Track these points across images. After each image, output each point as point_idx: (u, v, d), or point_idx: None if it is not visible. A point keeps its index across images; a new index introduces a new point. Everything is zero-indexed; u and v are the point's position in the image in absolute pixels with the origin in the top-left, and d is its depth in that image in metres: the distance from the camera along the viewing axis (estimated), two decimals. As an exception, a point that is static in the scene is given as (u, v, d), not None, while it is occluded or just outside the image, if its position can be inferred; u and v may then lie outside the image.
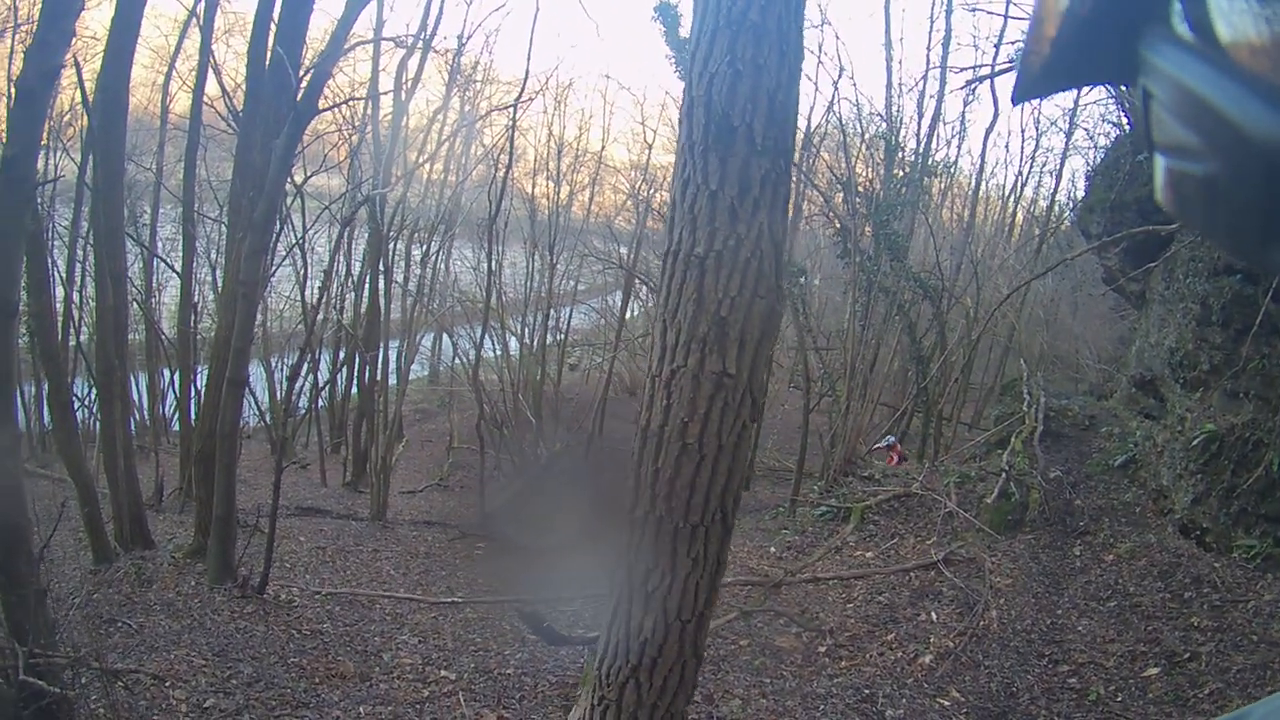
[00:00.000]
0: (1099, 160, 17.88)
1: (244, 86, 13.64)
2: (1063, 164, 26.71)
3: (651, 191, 27.76)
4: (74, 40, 5.95)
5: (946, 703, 7.80)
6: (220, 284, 17.92)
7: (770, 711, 7.59)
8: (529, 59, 41.12)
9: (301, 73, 10.09)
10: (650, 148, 30.13)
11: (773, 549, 12.60)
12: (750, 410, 3.41)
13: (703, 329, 3.27)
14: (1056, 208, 26.78)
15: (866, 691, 7.94)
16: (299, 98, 9.55)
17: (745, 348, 3.30)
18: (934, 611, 9.59)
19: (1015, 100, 0.77)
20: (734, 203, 3.19)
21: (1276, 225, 0.50)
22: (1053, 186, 28.22)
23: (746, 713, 7.54)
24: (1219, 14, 0.52)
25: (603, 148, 33.38)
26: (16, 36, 16.35)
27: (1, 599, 5.64)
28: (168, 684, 6.84)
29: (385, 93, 21.05)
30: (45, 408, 15.30)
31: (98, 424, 12.07)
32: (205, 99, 18.03)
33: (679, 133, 3.44)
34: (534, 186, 28.83)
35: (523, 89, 21.11)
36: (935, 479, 13.22)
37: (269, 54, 11.19)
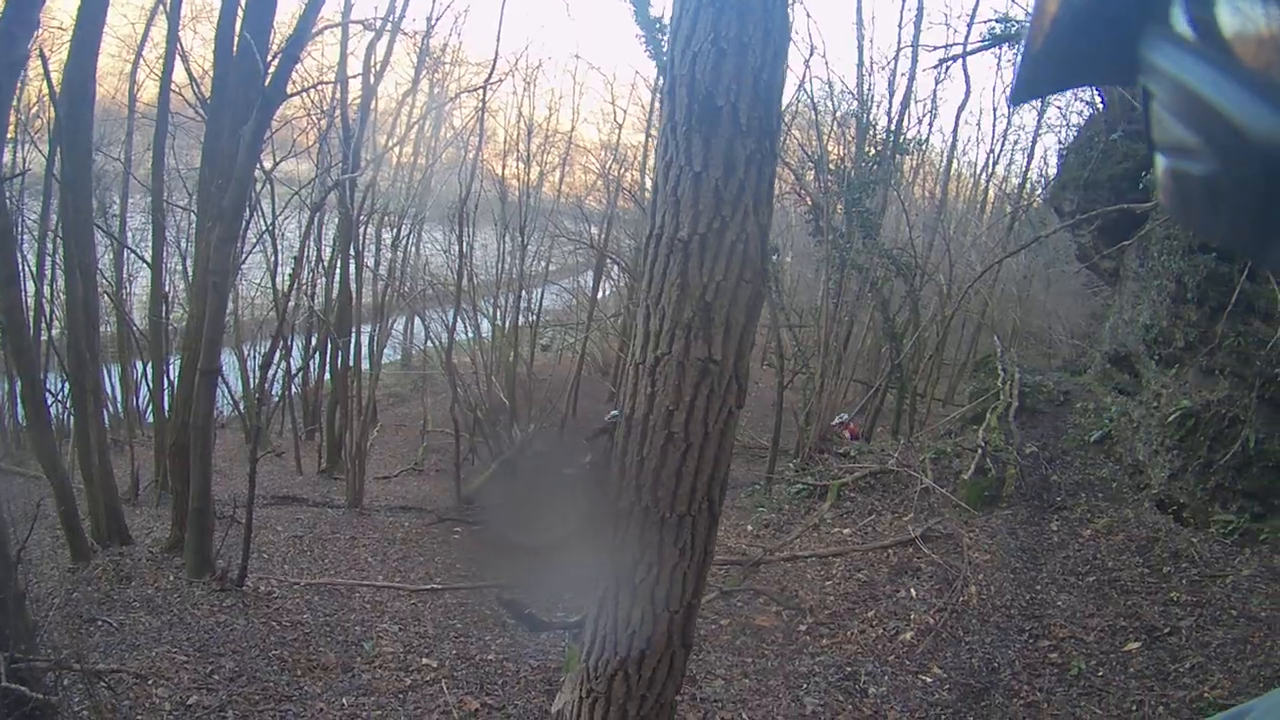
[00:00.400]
0: (1072, 138, 17.96)
1: (212, 73, 13.48)
2: (1034, 142, 27.03)
3: (622, 171, 27.75)
4: (38, 31, 5.84)
5: (929, 679, 7.85)
6: (191, 273, 17.77)
7: (753, 691, 7.62)
8: (498, 40, 41.00)
9: (269, 58, 9.96)
10: (620, 127, 30.16)
11: (750, 527, 12.63)
12: (736, 397, 3.37)
13: (687, 315, 3.21)
14: (1028, 185, 27.00)
15: (849, 669, 7.99)
16: (267, 83, 9.44)
17: (730, 333, 3.25)
18: (913, 588, 9.63)
19: (1014, 101, 0.76)
20: (718, 184, 3.13)
21: (1276, 225, 0.50)
22: (1024, 164, 28.42)
23: (730, 693, 7.56)
24: (1224, 5, 0.51)
25: (573, 128, 33.32)
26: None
27: (-20, 604, 5.58)
28: (150, 682, 6.79)
29: (354, 76, 20.82)
30: (19, 404, 15.14)
31: (72, 419, 11.94)
32: (173, 87, 17.79)
33: (662, 113, 3.40)
34: (504, 168, 28.77)
35: (492, 70, 20.98)
36: (911, 455, 13.27)
37: (236, 40, 11.04)
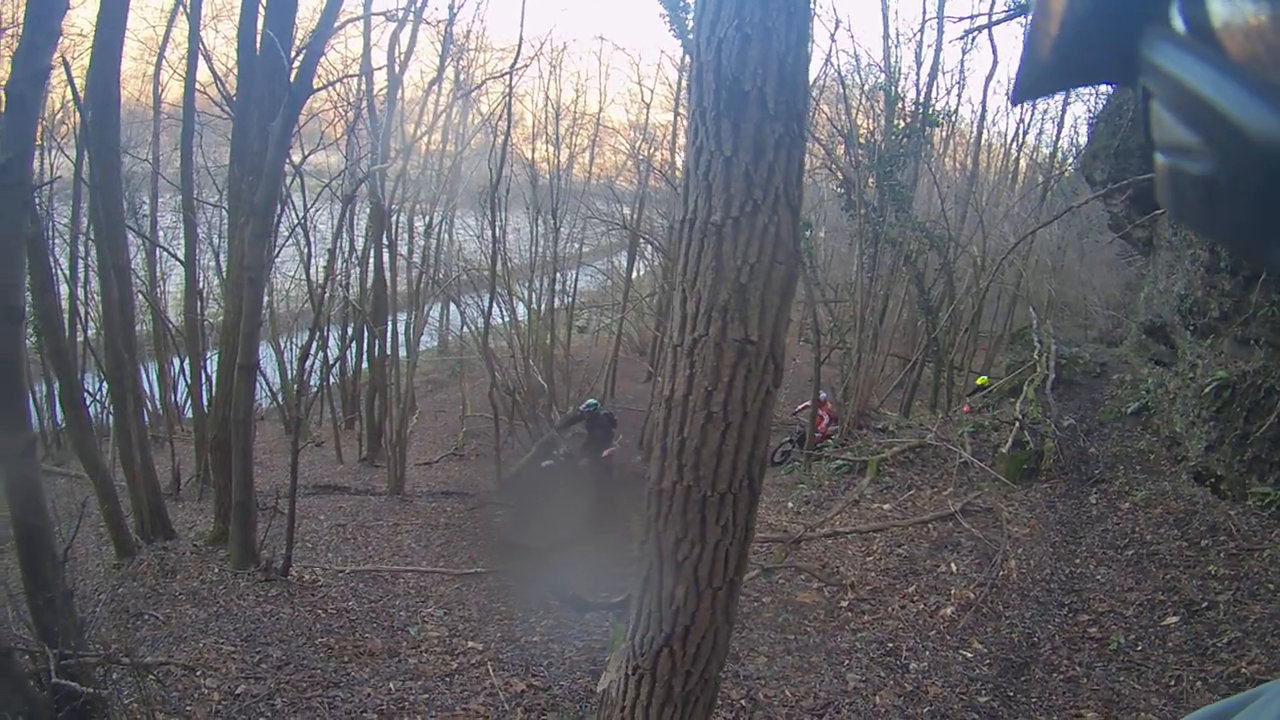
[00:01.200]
0: (1101, 107, 17.75)
1: (236, 71, 13.58)
2: (1064, 111, 26.58)
3: (652, 150, 27.70)
4: (61, 40, 5.88)
5: (969, 654, 7.84)
6: (224, 268, 17.94)
7: (795, 668, 7.63)
8: (522, 24, 40.88)
9: (293, 53, 10.03)
10: (648, 107, 30.08)
11: (790, 504, 12.63)
12: (774, 376, 3.40)
13: (723, 297, 3.24)
14: (1060, 154, 26.73)
15: (890, 645, 7.99)
16: (293, 79, 9.49)
17: (766, 314, 3.27)
18: (953, 563, 9.62)
19: (1015, 100, 0.77)
20: (749, 168, 3.15)
21: (1276, 225, 0.50)
22: (1055, 133, 28.11)
23: (772, 669, 7.58)
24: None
25: (600, 109, 33.23)
26: (2, 40, 16.21)
27: (29, 603, 5.69)
28: (198, 673, 6.88)
29: (379, 68, 20.90)
30: (58, 405, 15.34)
31: (111, 418, 12.09)
32: (198, 86, 17.97)
33: (690, 98, 3.41)
34: (534, 151, 28.77)
35: (517, 55, 20.93)
36: (949, 429, 13.23)
37: (259, 37, 11.11)
